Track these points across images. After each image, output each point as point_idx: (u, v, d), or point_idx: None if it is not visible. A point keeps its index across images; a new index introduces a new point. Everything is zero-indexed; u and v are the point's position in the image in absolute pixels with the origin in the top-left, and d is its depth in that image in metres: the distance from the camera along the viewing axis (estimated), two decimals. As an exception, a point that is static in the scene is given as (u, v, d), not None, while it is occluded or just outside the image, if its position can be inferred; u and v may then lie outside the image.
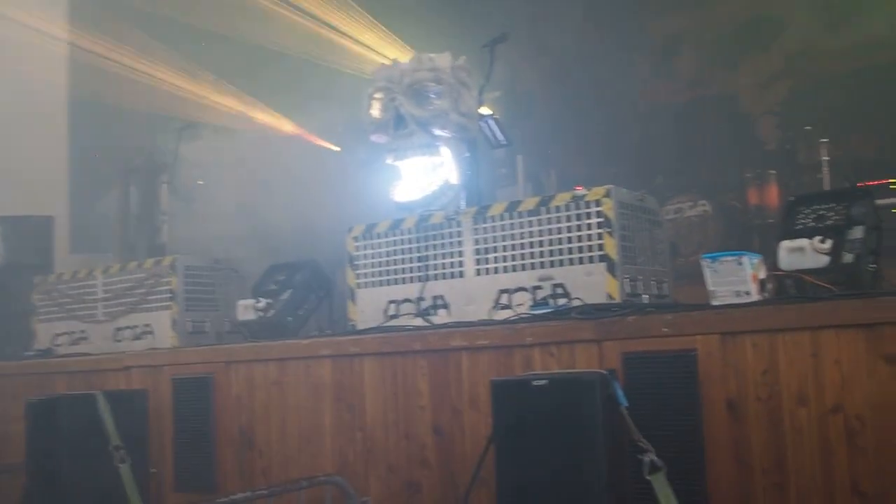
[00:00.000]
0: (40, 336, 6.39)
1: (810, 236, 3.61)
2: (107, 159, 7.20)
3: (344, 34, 8.58)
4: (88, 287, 6.14)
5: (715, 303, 3.60)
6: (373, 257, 4.82)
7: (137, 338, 5.82)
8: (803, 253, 3.58)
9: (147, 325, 5.78)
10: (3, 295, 6.68)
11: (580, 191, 4.11)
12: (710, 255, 3.68)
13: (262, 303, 5.31)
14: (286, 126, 8.64)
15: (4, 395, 6.03)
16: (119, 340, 5.91)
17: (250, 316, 5.32)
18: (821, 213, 3.75)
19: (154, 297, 5.76)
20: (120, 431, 4.75)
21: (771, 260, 3.69)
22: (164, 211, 6.78)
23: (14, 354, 6.37)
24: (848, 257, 3.54)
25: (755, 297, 3.54)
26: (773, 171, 6.43)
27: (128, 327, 5.88)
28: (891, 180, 6.55)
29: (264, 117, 8.96)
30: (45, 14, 9.45)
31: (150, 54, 9.26)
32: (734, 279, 3.58)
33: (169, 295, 5.68)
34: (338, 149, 8.08)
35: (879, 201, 4.17)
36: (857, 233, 3.61)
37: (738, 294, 3.56)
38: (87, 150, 7.81)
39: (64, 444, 4.67)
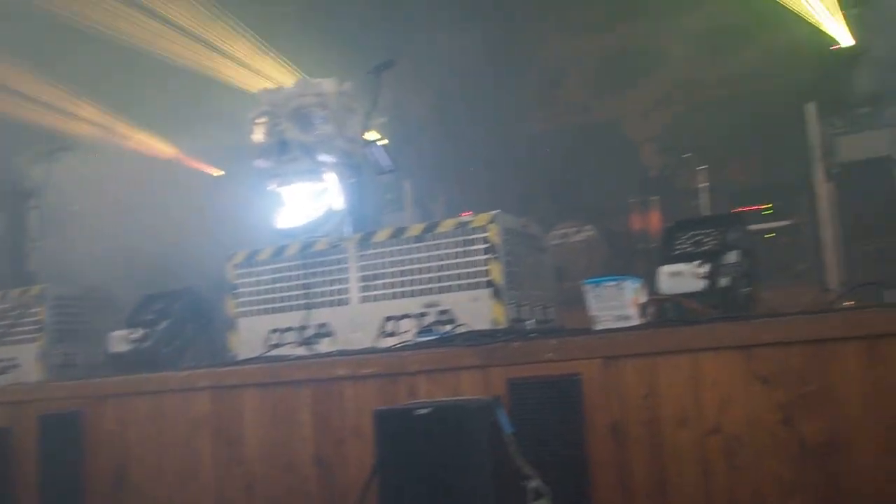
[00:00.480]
0: None
1: (688, 261, 3.69)
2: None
3: (230, 56, 8.39)
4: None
5: (597, 327, 3.62)
6: (254, 285, 4.70)
7: (1, 372, 5.47)
8: (682, 277, 3.66)
9: (12, 359, 5.48)
10: None
11: (466, 217, 4.09)
12: (592, 280, 3.71)
13: (138, 333, 5.09)
14: (168, 150, 8.37)
15: None
16: (-18, 375, 5.53)
17: (124, 347, 5.11)
18: (698, 238, 3.85)
19: (20, 328, 5.46)
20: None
21: (652, 284, 3.75)
22: (33, 238, 6.42)
23: None
24: (724, 281, 3.65)
25: (636, 321, 3.59)
26: (656, 197, 6.63)
27: (-9, 361, 5.53)
28: (764, 206, 6.85)
29: (145, 140, 8.65)
30: None
31: (18, 73, 8.81)
32: (615, 304, 3.62)
33: (36, 326, 5.40)
34: (221, 173, 7.88)
35: (753, 226, 4.32)
36: (733, 257, 3.72)
37: (619, 318, 3.60)
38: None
39: None
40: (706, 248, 3.80)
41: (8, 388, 5.20)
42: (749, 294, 3.73)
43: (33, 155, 6.75)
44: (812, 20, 7.21)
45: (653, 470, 3.23)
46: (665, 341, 3.27)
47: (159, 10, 8.20)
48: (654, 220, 6.51)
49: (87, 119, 8.70)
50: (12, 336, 5.47)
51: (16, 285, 5.84)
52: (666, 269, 3.71)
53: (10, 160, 6.70)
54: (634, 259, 6.28)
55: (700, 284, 3.63)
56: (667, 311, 3.70)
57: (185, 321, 5.28)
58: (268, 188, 4.79)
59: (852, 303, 4.25)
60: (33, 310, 5.42)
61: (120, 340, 5.10)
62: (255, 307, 4.68)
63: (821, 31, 7.21)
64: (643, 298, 3.67)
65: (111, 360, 5.25)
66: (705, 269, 3.65)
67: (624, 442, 3.29)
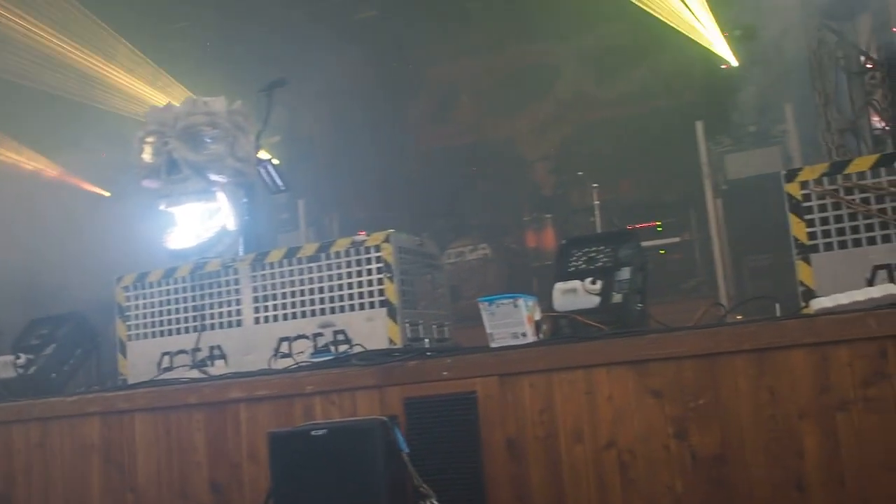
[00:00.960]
0: None
1: (582, 278, 3.76)
2: None
3: (117, 75, 8.15)
4: None
5: (493, 345, 3.67)
6: (145, 307, 4.60)
7: None
8: (576, 294, 3.72)
9: None
10: None
11: (361, 236, 4.10)
12: (487, 298, 3.75)
13: (23, 359, 4.89)
14: (52, 171, 8.06)
15: None
16: None
17: (9, 373, 4.90)
18: (591, 255, 3.92)
19: None
20: None
21: (547, 301, 3.83)
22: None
23: None
24: (617, 297, 3.72)
25: (531, 338, 3.64)
26: (549, 215, 6.75)
27: None
28: (656, 223, 7.07)
29: (27, 161, 8.30)
30: None
31: None
32: (511, 321, 3.66)
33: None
34: (108, 194, 7.64)
35: (646, 243, 4.44)
36: (625, 273, 3.79)
37: (514, 336, 3.64)
38: None
39: None
40: (599, 264, 3.87)
41: None
42: (642, 310, 3.81)
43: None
44: (702, 41, 7.46)
45: (550, 485, 3.28)
46: (560, 358, 3.33)
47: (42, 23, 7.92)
48: (549, 238, 6.63)
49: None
50: None
51: None
52: (560, 286, 3.77)
53: None
54: (529, 276, 6.38)
55: (593, 301, 3.69)
56: (562, 328, 3.78)
57: (72, 345, 5.09)
58: (158, 208, 4.68)
59: (740, 317, 4.40)
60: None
61: (5, 366, 4.90)
62: (146, 330, 4.58)
63: (710, 51, 7.47)
64: (538, 316, 3.74)
65: (-4, 386, 5.05)
66: (598, 285, 3.72)
67: (520, 458, 3.34)
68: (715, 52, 7.47)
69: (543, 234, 6.63)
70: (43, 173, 8.10)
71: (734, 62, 7.41)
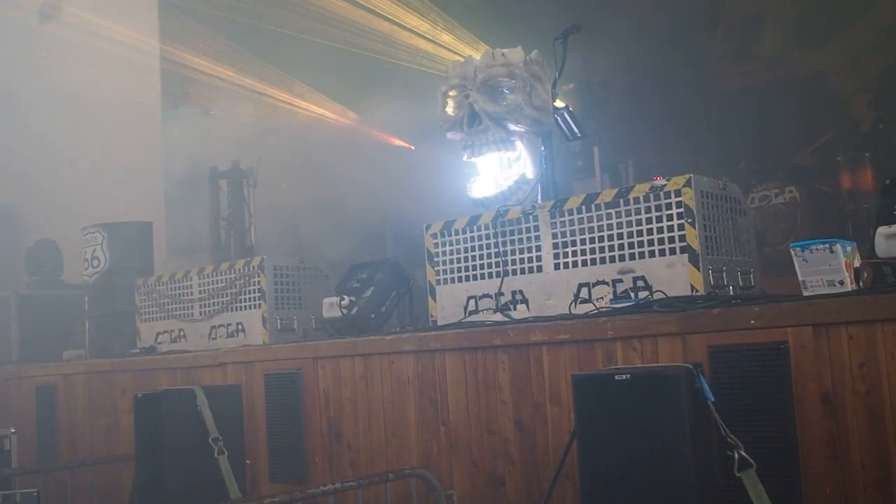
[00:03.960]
0: (143, 334, 6.74)
1: (910, 221, 3.43)
2: (196, 165, 7.42)
3: (416, 33, 8.62)
4: (185, 288, 6.40)
5: (806, 293, 3.46)
6: (451, 253, 4.83)
7: (231, 335, 6.01)
8: (901, 239, 3.41)
9: (240, 324, 5.96)
10: (110, 297, 7.06)
11: (659, 181, 4.02)
12: (799, 243, 3.54)
13: (346, 300, 5.38)
14: (363, 126, 8.74)
15: (114, 390, 6.44)
16: (214, 338, 6.13)
17: (335, 313, 5.41)
18: (922, 195, 3.55)
19: (245, 296, 5.94)
20: (217, 424, 4.95)
21: (867, 247, 3.53)
22: (251, 214, 6.96)
23: (121, 352, 6.73)
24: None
25: (850, 286, 3.40)
26: (867, 154, 6.13)
27: (222, 325, 6.08)
28: None
29: (345, 118, 9.08)
30: (137, 28, 9.88)
31: (234, 62, 9.53)
32: (827, 268, 3.44)
33: (259, 294, 5.83)
34: (413, 148, 8.13)
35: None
36: (964, 214, 3.41)
37: (831, 283, 3.42)
38: (179, 157, 8.12)
39: (168, 436, 4.91)
40: (931, 206, 3.50)
41: (239, 350, 5.70)
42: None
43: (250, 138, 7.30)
44: None
45: (871, 445, 3.08)
46: (885, 308, 3.07)
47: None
48: (866, 179, 6.02)
49: (296, 103, 9.29)
50: (239, 303, 5.98)
51: (239, 257, 6.39)
52: (884, 231, 3.46)
53: (229, 143, 7.25)
54: (844, 221, 5.84)
55: (924, 246, 3.37)
56: (886, 276, 3.48)
57: (388, 289, 5.51)
58: (462, 159, 4.90)
59: None
60: (255, 279, 5.88)
61: (331, 307, 5.42)
62: (453, 275, 4.81)
63: None
64: (858, 262, 3.47)
65: (324, 324, 5.64)
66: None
67: (837, 414, 3.16)
68: None
69: (860, 174, 6.03)
70: (354, 129, 8.82)
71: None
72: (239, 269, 6.02)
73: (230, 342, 5.97)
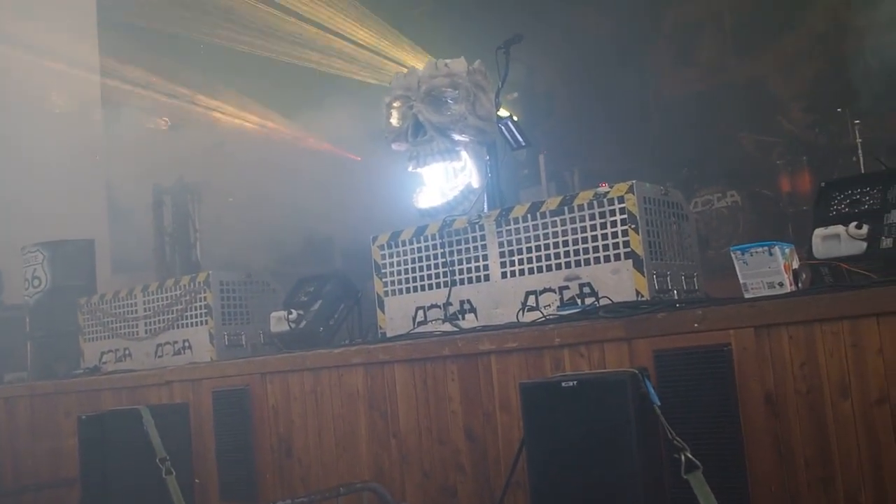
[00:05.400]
0: (87, 354, 6.58)
1: (845, 222, 3.51)
2: (140, 182, 7.32)
3: (361, 46, 8.63)
4: (130, 306, 6.29)
5: (748, 296, 3.53)
6: (399, 264, 4.81)
7: (177, 353, 5.92)
8: (838, 240, 3.48)
9: (186, 341, 5.88)
10: (52, 316, 6.91)
11: (603, 188, 4.06)
12: (739, 247, 3.60)
13: (294, 314, 5.34)
14: (306, 138, 8.70)
15: (58, 412, 6.26)
16: (160, 356, 6.03)
17: (283, 328, 5.37)
18: (855, 197, 3.63)
19: (191, 312, 5.86)
20: (165, 444, 4.87)
21: (805, 249, 3.61)
22: (196, 229, 6.87)
23: (64, 373, 6.59)
24: (886, 242, 3.43)
25: (789, 287, 3.46)
26: (805, 157, 6.28)
27: (168, 343, 5.99)
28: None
29: (290, 131, 9.03)
30: (75, 43, 9.72)
31: (177, 76, 9.43)
32: (766, 270, 3.50)
33: (205, 310, 5.76)
34: (358, 158, 8.12)
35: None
36: (895, 216, 3.50)
37: (771, 285, 3.49)
38: (121, 174, 7.99)
39: (114, 458, 4.82)
40: (864, 207, 3.57)
41: (185, 368, 5.60)
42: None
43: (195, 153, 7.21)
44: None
45: (814, 441, 3.13)
46: (823, 308, 3.13)
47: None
48: (804, 182, 6.17)
49: (241, 116, 9.23)
50: (185, 320, 5.89)
51: (184, 273, 6.29)
52: (820, 232, 3.54)
53: (174, 159, 7.16)
54: (784, 224, 5.98)
55: (859, 247, 3.43)
56: (823, 277, 3.55)
57: (336, 301, 5.47)
58: (407, 170, 4.90)
59: None
60: (201, 295, 5.79)
61: (279, 321, 5.37)
62: (401, 286, 4.79)
63: None
64: (796, 264, 3.54)
65: (272, 339, 5.58)
66: (864, 230, 3.45)
67: (780, 413, 3.20)
68: None
69: (799, 177, 6.17)
70: (300, 142, 8.78)
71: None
72: (184, 286, 5.92)
73: (177, 360, 5.86)
